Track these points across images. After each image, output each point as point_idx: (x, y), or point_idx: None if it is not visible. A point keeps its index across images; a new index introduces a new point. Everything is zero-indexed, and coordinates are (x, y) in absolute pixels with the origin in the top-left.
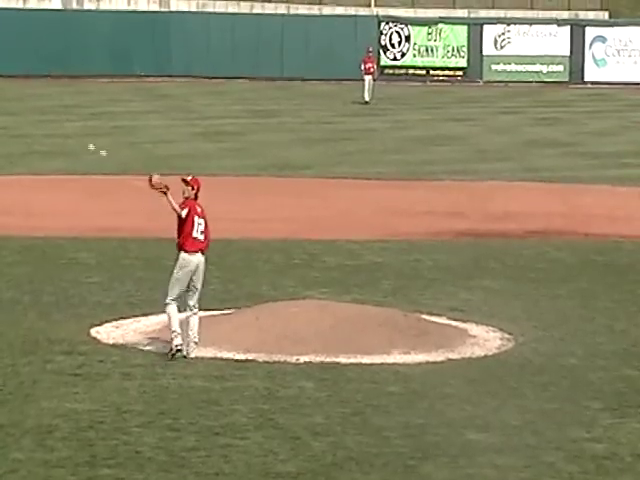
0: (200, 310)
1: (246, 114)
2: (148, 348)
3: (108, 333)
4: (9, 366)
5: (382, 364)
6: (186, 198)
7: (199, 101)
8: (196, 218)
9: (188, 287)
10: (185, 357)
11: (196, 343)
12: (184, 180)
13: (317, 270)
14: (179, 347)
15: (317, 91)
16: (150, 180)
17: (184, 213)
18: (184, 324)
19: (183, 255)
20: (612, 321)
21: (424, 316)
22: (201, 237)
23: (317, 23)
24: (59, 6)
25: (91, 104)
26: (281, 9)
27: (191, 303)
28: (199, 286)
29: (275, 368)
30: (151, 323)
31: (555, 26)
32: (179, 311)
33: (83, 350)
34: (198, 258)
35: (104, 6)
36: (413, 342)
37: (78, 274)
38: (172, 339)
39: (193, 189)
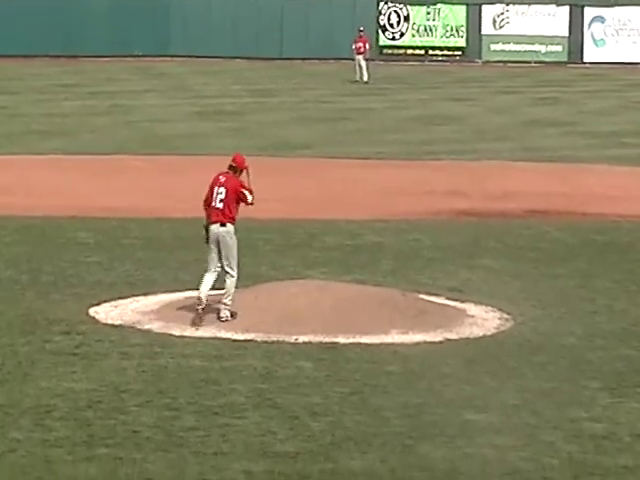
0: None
1: (245, 93)
2: (147, 327)
3: (107, 313)
4: (8, 346)
5: (381, 344)
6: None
7: (198, 80)
8: (216, 188)
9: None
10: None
11: (225, 305)
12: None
13: (317, 250)
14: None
15: (316, 71)
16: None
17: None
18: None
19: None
20: (612, 301)
21: (423, 296)
22: (219, 205)
23: (316, 3)
24: None
25: (89, 83)
26: None
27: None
28: (224, 254)
29: (274, 348)
30: (150, 303)
31: (554, 6)
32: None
33: (82, 330)
34: (216, 228)
35: None
36: (412, 322)
37: (77, 254)
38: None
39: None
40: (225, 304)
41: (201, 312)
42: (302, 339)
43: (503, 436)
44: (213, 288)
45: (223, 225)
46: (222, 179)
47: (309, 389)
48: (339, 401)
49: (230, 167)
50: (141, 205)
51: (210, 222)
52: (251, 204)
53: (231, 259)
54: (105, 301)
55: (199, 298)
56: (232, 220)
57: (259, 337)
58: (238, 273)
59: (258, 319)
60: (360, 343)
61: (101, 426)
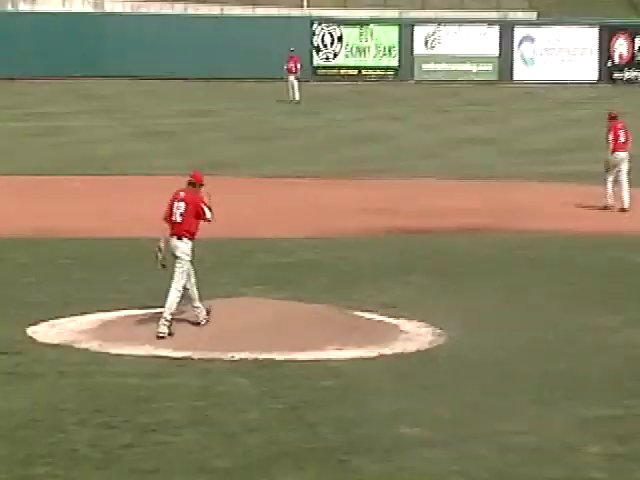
0: (134, 308)
1: (179, 114)
2: (84, 346)
3: (45, 332)
4: None
5: (316, 360)
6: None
7: (133, 101)
8: (175, 203)
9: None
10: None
11: (165, 320)
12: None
13: (251, 267)
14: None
15: (250, 90)
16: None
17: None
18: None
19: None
20: (541, 314)
21: (357, 312)
22: (179, 219)
23: (250, 24)
24: None
25: (25, 105)
26: (215, 10)
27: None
28: (176, 269)
29: (210, 366)
30: (87, 322)
31: (485, 26)
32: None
33: (19, 349)
34: (174, 242)
35: (39, 8)
36: (346, 338)
37: (12, 274)
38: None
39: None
40: (165, 319)
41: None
42: (238, 356)
43: (435, 450)
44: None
45: (180, 239)
46: (182, 194)
47: (245, 405)
48: (275, 417)
49: (189, 183)
50: (78, 226)
51: (170, 235)
52: (209, 221)
53: (179, 272)
54: (42, 320)
55: (197, 314)
56: (191, 235)
57: (195, 355)
58: (183, 291)
59: (194, 337)
60: (296, 359)
61: (39, 445)
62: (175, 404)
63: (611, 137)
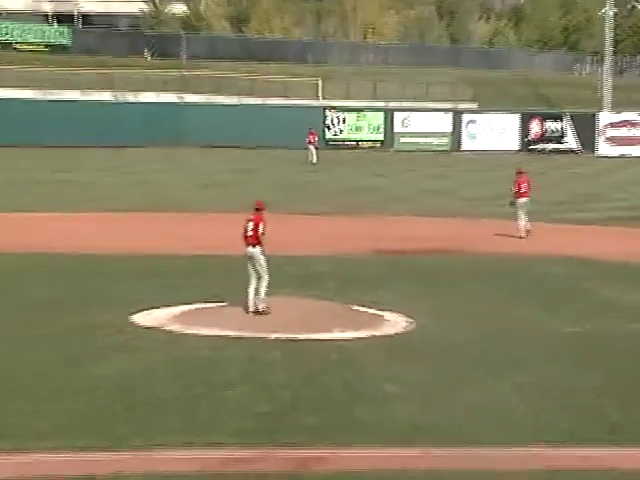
0: (203, 303)
1: (231, 171)
2: (169, 328)
3: (141, 318)
4: (66, 345)
5: (326, 339)
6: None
7: (200, 161)
8: (246, 225)
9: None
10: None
11: (263, 300)
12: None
13: (283, 276)
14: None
15: (282, 155)
16: None
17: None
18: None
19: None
20: (495, 312)
21: (355, 307)
22: (250, 233)
23: (283, 109)
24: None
25: (129, 164)
26: (259, 101)
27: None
28: (257, 268)
29: (257, 342)
30: (171, 312)
31: (442, 113)
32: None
33: (125, 330)
34: (250, 249)
35: (142, 99)
36: (347, 324)
37: (118, 280)
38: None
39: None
40: (263, 300)
41: (251, 311)
42: (275, 336)
43: (411, 403)
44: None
45: (254, 246)
46: (251, 217)
47: (279, 370)
48: (298, 378)
49: (255, 209)
50: (162, 246)
51: (246, 245)
52: (263, 234)
53: (261, 269)
54: (140, 311)
55: (249, 302)
56: (259, 242)
57: (246, 334)
58: (268, 278)
59: (245, 322)
60: (312, 338)
61: (139, 394)
62: (233, 368)
63: (515, 188)
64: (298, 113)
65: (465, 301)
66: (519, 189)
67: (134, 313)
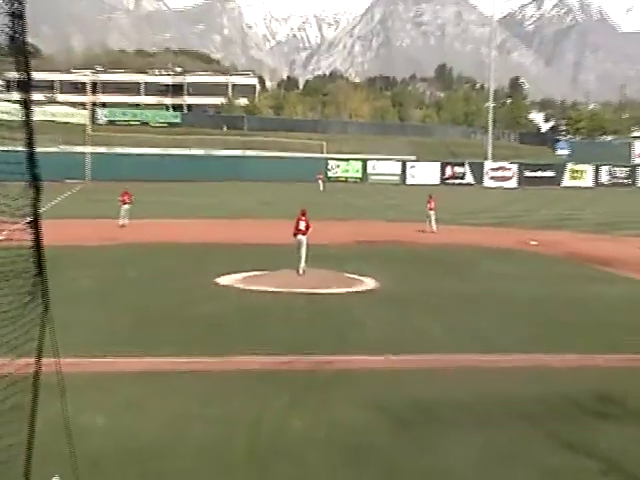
0: (261, 271)
1: (274, 195)
2: (237, 286)
3: (222, 280)
4: (180, 294)
5: (330, 293)
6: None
7: (252, 188)
8: (298, 222)
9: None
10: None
11: (303, 267)
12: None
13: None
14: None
15: (299, 188)
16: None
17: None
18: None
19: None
20: (425, 278)
21: (346, 274)
22: (302, 228)
23: (299, 159)
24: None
25: (214, 194)
26: (277, 153)
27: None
28: (303, 251)
29: (289, 294)
30: (240, 276)
31: (395, 162)
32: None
33: (211, 287)
34: (301, 237)
35: (214, 152)
36: (342, 284)
37: (211, 259)
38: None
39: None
40: (304, 267)
41: (301, 274)
42: (300, 290)
43: (380, 332)
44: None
45: (303, 235)
46: (302, 217)
47: (301, 311)
48: (314, 315)
49: (302, 213)
50: (238, 236)
51: (297, 234)
52: (308, 227)
53: (306, 250)
54: (220, 276)
55: (299, 269)
56: (306, 233)
57: (284, 290)
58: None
59: (284, 282)
60: (320, 292)
61: (215, 324)
62: (279, 311)
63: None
64: (311, 162)
65: (407, 271)
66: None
67: (217, 277)
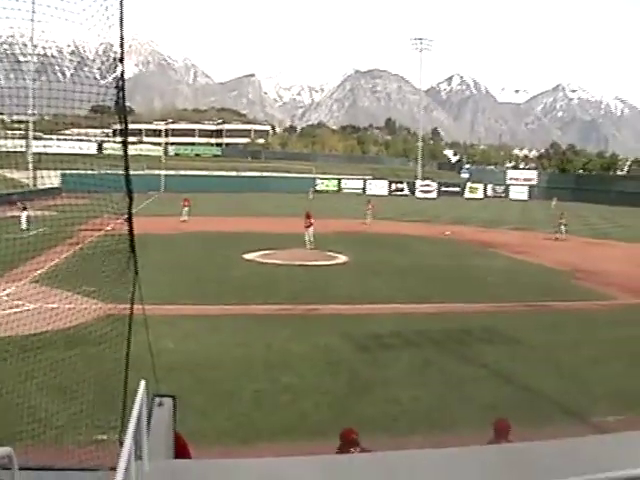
0: (280, 250)
1: (284, 201)
2: (260, 260)
3: (246, 256)
4: (221, 264)
5: (317, 265)
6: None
7: (269, 198)
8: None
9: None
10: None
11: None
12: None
13: (301, 242)
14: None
15: (293, 197)
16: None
17: None
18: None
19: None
20: (382, 253)
21: (327, 252)
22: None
23: (301, 178)
24: None
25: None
26: (291, 175)
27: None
28: (308, 236)
29: (291, 265)
30: (259, 253)
31: (359, 180)
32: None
33: (239, 262)
34: (309, 230)
35: (243, 173)
36: (324, 259)
37: (239, 242)
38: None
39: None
40: (310, 247)
41: (309, 249)
42: (298, 263)
43: (350, 286)
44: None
45: (309, 227)
46: (309, 214)
47: (299, 278)
48: (306, 280)
49: (308, 215)
50: (258, 229)
51: (308, 226)
52: (312, 223)
53: (310, 236)
54: (246, 252)
55: (307, 247)
56: (311, 225)
57: (288, 262)
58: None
59: (288, 257)
60: (312, 264)
61: (244, 283)
62: (280, 275)
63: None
64: (305, 180)
65: (368, 250)
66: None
67: (244, 254)
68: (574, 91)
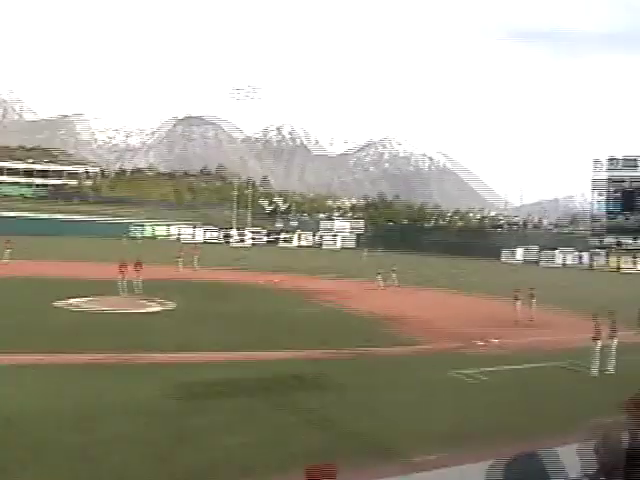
0: None
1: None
2: (85, 308)
3: (68, 302)
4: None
5: (141, 312)
6: None
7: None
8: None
9: None
10: None
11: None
12: None
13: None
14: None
15: (113, 242)
16: None
17: None
18: None
19: None
20: (204, 301)
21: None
22: (136, 268)
23: (110, 224)
24: None
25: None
26: (93, 217)
27: None
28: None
29: (114, 315)
30: (87, 299)
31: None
32: None
33: (53, 308)
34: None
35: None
36: (140, 306)
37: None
38: None
39: None
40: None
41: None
42: (120, 310)
43: (173, 338)
44: None
45: (137, 272)
46: (137, 264)
47: (122, 324)
48: (129, 327)
49: (137, 263)
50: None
51: (132, 271)
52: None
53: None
54: (67, 297)
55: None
56: (140, 271)
57: (113, 310)
58: None
59: (111, 304)
60: (137, 312)
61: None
62: (117, 325)
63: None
64: (123, 224)
65: (190, 297)
66: None
67: (59, 300)
68: (400, 144)
